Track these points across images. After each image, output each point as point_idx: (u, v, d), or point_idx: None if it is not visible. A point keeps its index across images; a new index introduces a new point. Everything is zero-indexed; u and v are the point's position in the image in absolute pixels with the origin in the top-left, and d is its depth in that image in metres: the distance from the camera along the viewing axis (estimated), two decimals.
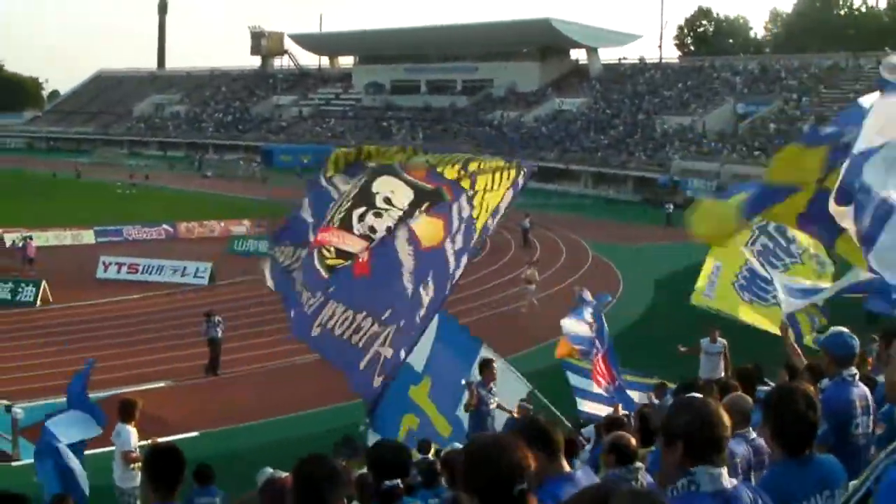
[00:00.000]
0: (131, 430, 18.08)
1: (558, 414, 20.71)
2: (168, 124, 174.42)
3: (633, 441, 9.79)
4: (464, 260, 11.23)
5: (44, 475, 15.58)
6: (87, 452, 24.88)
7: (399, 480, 8.04)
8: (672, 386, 19.61)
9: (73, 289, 50.51)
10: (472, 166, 11.81)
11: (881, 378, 10.83)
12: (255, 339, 39.80)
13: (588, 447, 16.19)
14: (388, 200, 11.90)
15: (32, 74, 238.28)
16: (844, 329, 10.38)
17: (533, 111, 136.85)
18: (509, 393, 20.31)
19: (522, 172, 11.79)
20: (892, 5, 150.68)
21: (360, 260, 11.50)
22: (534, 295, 47.72)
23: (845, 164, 7.20)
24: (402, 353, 11.02)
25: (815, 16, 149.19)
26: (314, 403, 29.01)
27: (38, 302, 47.75)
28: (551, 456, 6.32)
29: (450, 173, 11.79)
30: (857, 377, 9.90)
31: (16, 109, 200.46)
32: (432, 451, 16.79)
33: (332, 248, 11.82)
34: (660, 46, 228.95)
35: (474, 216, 11.46)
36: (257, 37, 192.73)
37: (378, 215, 11.81)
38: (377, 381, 11.00)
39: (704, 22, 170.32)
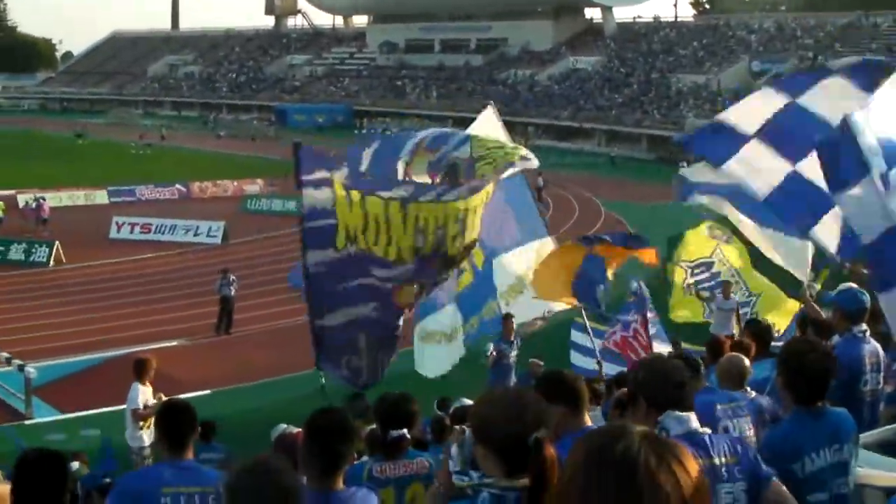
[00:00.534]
0: (141, 388, 18.04)
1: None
2: (182, 84, 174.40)
3: None
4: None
5: None
6: (104, 410, 25.12)
7: (406, 430, 8.02)
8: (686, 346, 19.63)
9: (87, 249, 50.53)
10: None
11: None
12: (268, 297, 39.87)
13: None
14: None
15: (46, 36, 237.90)
16: (854, 285, 10.32)
17: (547, 70, 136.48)
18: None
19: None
20: None
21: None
22: None
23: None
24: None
25: None
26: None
27: (52, 262, 47.86)
28: (575, 410, 6.26)
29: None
30: (868, 333, 9.85)
31: (29, 71, 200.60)
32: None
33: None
34: (675, 4, 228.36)
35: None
36: None
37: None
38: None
39: None
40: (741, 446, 5.74)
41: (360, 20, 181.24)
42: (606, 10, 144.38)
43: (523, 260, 17.59)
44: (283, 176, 72.16)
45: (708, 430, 5.62)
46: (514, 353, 22.91)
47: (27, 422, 26.14)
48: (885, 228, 7.06)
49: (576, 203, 70.16)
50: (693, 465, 2.45)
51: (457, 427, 5.27)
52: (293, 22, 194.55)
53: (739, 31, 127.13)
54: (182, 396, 17.37)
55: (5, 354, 29.24)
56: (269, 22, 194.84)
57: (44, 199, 58.94)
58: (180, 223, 56.60)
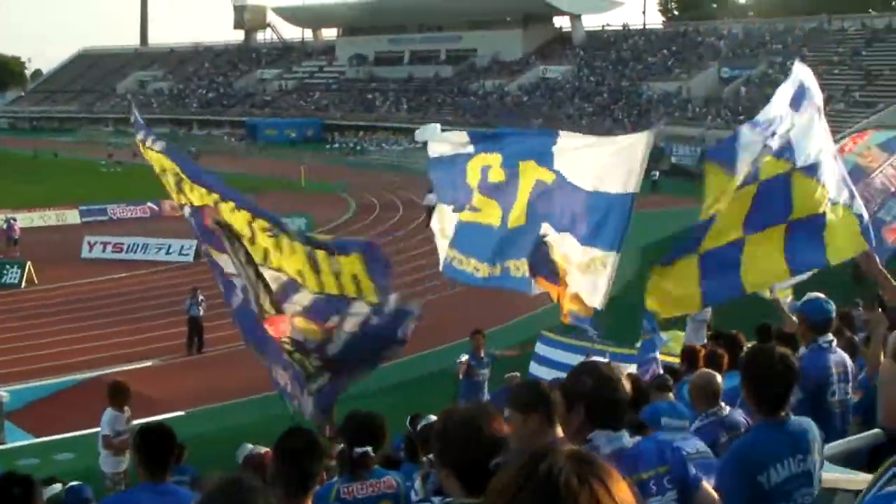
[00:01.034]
0: (112, 414, 18.07)
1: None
2: (152, 101, 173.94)
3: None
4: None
5: None
6: (78, 434, 25.02)
7: (370, 448, 8.04)
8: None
9: (59, 269, 50.43)
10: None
11: None
12: None
13: None
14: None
15: (15, 54, 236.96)
16: (821, 294, 10.34)
17: (517, 80, 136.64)
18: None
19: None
20: None
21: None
22: None
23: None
24: None
25: None
26: None
27: (24, 283, 47.69)
28: (550, 420, 6.31)
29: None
30: (835, 343, 9.89)
31: None
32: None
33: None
34: (643, 12, 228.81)
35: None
36: (240, 10, 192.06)
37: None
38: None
39: None
40: (671, 452, 5.78)
41: (330, 33, 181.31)
42: (575, 18, 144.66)
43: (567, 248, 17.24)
44: (254, 192, 72.16)
45: (638, 439, 5.69)
46: (483, 371, 22.90)
47: (0, 447, 26.02)
48: None
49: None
50: (619, 487, 2.44)
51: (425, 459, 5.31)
52: (262, 36, 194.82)
53: (708, 37, 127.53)
54: (156, 418, 17.39)
55: None
56: (238, 36, 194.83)
57: (14, 220, 58.73)
58: (152, 242, 56.47)
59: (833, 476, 7.17)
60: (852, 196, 11.54)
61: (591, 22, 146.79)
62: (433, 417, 11.87)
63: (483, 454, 4.57)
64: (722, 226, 12.10)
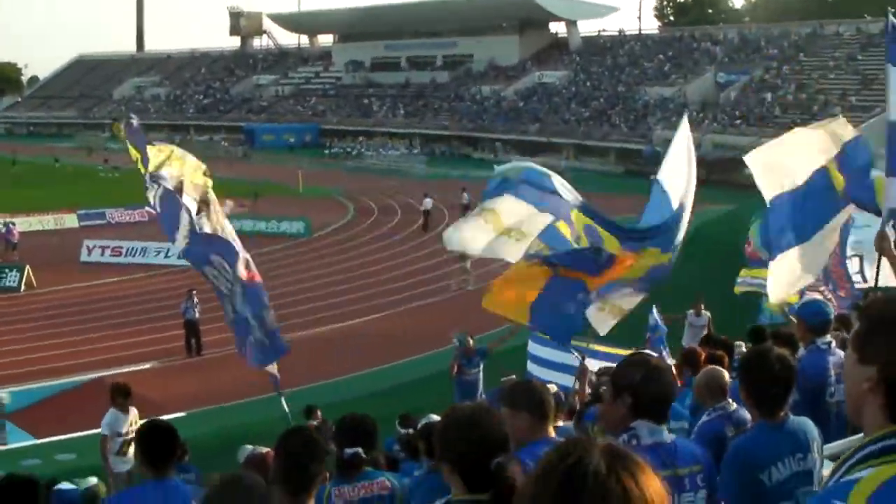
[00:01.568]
0: (114, 415, 18.20)
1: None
2: (149, 107, 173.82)
3: None
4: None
5: None
6: (78, 434, 25.11)
7: (360, 449, 8.06)
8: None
9: (58, 273, 50.48)
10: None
11: None
12: None
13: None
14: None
15: (11, 60, 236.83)
16: (819, 297, 10.46)
17: (513, 85, 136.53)
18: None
19: None
20: None
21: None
22: (467, 274, 46.69)
23: None
24: None
25: None
26: (297, 382, 29.08)
27: (23, 287, 47.73)
28: (540, 419, 6.41)
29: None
30: (833, 345, 9.98)
31: None
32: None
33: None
34: (639, 17, 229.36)
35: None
36: (236, 17, 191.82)
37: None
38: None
39: None
40: (703, 453, 5.87)
41: (326, 39, 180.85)
42: (571, 24, 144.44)
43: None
44: (252, 197, 72.17)
45: (674, 437, 5.72)
46: (475, 370, 23.08)
47: (1, 447, 26.09)
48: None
49: None
50: (649, 480, 2.45)
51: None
52: (259, 42, 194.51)
53: (704, 42, 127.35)
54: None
55: None
56: (234, 43, 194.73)
57: (13, 224, 58.74)
58: (151, 245, 56.36)
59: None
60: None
61: (587, 27, 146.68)
62: (435, 417, 11.95)
63: (485, 452, 4.65)
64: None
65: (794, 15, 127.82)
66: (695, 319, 25.98)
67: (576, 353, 19.11)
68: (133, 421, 17.83)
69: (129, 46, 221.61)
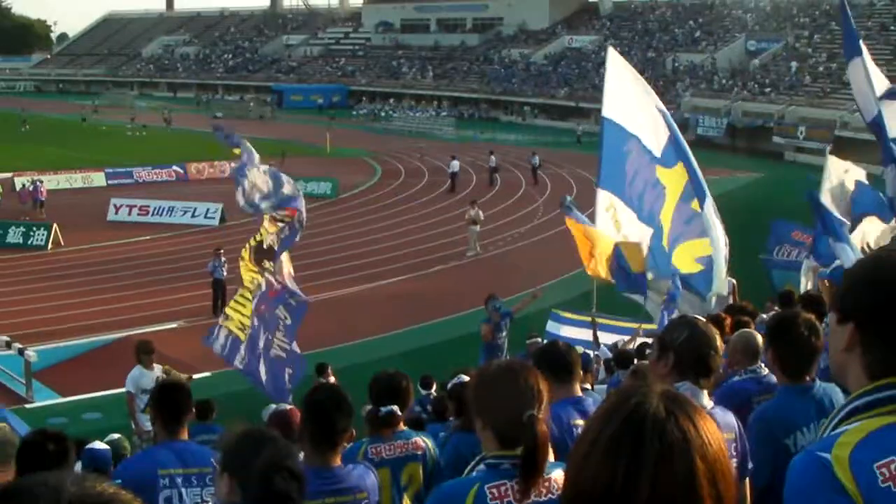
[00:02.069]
0: (138, 371, 18.44)
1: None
2: (178, 65, 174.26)
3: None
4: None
5: None
6: (104, 393, 25.22)
7: (396, 406, 8.06)
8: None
9: (85, 231, 50.55)
10: None
11: None
12: None
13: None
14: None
15: (41, 17, 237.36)
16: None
17: (543, 49, 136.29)
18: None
19: None
20: None
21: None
22: (477, 239, 46.69)
23: None
24: None
25: None
26: (318, 343, 29.14)
27: (50, 245, 47.81)
28: (565, 379, 6.42)
29: None
30: None
31: (24, 53, 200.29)
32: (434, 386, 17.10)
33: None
34: None
35: None
36: None
37: None
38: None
39: None
40: (738, 426, 5.85)
41: (356, 0, 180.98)
42: None
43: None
44: (280, 156, 72.24)
45: (711, 404, 5.74)
46: (502, 335, 23.31)
47: (28, 405, 26.18)
48: None
49: (573, 182, 70.15)
50: (706, 424, 2.47)
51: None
52: (289, 2, 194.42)
53: (735, 9, 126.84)
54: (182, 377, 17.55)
55: (5, 338, 29.23)
56: (264, 2, 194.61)
57: (41, 182, 58.81)
58: (178, 205, 56.50)
59: None
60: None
61: None
62: (465, 377, 11.97)
63: (518, 407, 4.64)
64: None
65: None
66: (720, 291, 25.94)
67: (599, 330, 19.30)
68: (158, 377, 17.94)
69: (159, 5, 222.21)
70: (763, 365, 9.41)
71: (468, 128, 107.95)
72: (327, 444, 6.32)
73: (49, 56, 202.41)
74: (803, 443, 6.29)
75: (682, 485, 2.34)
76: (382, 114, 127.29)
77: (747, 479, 5.89)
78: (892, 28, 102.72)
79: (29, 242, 47.99)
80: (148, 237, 50.40)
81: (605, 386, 15.19)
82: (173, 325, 34.11)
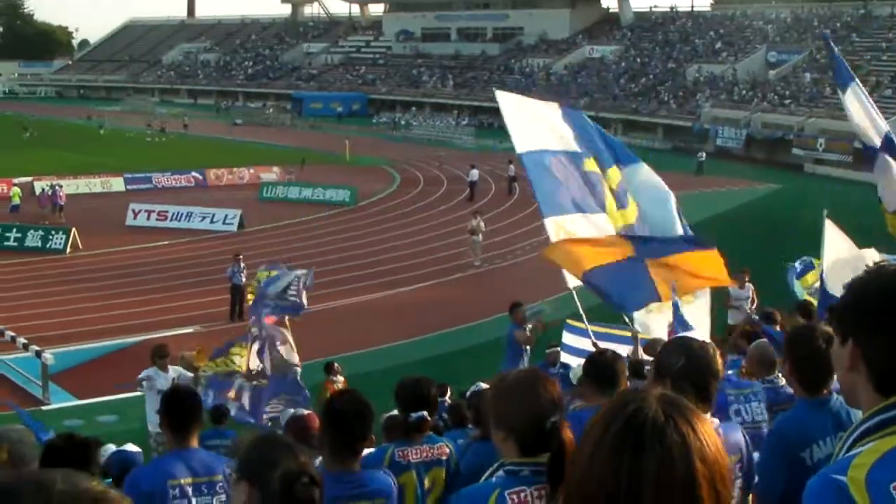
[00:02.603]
0: (151, 370, 18.67)
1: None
2: (198, 72, 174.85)
3: None
4: None
5: None
6: (120, 396, 25.27)
7: (426, 412, 8.07)
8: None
9: (103, 236, 50.67)
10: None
11: None
12: None
13: None
14: None
15: (62, 24, 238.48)
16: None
17: (563, 59, 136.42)
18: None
19: None
20: None
21: None
22: (479, 248, 46.35)
23: None
24: None
25: None
26: (336, 350, 29.19)
27: (69, 249, 47.95)
28: (607, 391, 6.45)
29: None
30: None
31: (46, 59, 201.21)
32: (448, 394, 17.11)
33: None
34: None
35: None
36: None
37: None
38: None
39: None
40: (745, 444, 5.81)
41: (377, 8, 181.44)
42: None
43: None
44: (299, 163, 72.30)
45: (717, 422, 5.61)
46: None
47: (44, 407, 26.26)
48: None
49: None
50: (705, 428, 2.49)
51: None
52: (310, 10, 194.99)
53: (756, 21, 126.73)
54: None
55: (23, 340, 29.38)
56: (285, 10, 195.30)
57: (60, 186, 59.01)
58: (197, 210, 56.65)
59: None
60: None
61: (638, 3, 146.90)
62: (483, 385, 11.97)
63: (538, 416, 4.65)
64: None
65: None
66: (738, 293, 25.96)
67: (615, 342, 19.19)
68: (174, 379, 18.10)
69: (180, 12, 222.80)
70: (780, 375, 9.40)
71: (488, 137, 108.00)
72: (348, 450, 6.34)
73: (70, 62, 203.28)
74: (819, 456, 6.25)
75: (683, 487, 2.36)
76: (402, 122, 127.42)
77: (751, 496, 5.85)
78: None
79: (48, 246, 48.14)
80: (166, 242, 50.51)
81: None
82: (190, 330, 34.18)
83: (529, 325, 22.00)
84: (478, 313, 34.84)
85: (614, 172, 16.32)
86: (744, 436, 5.80)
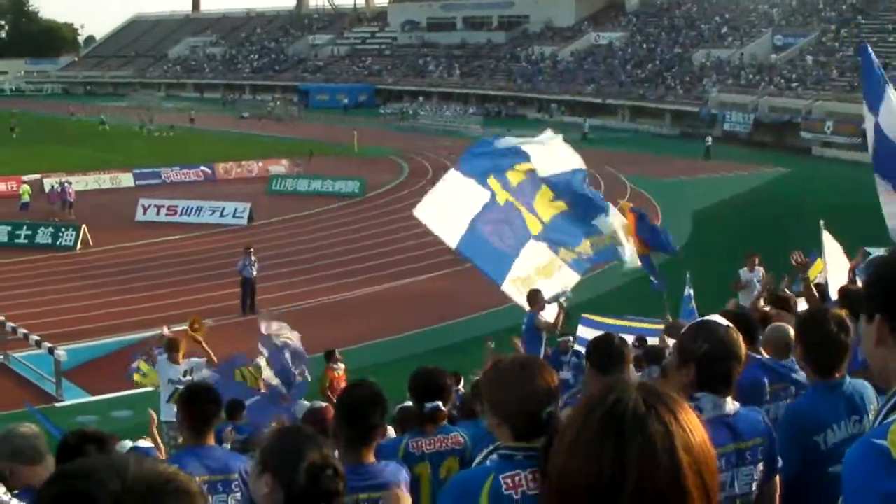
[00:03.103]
0: (163, 361, 18.85)
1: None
2: (204, 66, 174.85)
3: None
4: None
5: None
6: (134, 392, 25.30)
7: (440, 403, 8.06)
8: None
9: (113, 232, 50.73)
10: None
11: None
12: (294, 278, 40.14)
13: None
14: None
15: (68, 20, 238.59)
16: (884, 252, 10.33)
17: (569, 46, 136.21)
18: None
19: None
20: None
21: None
22: None
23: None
24: None
25: None
26: (346, 342, 29.21)
27: (79, 245, 47.99)
28: (612, 374, 6.46)
29: None
30: None
31: (51, 55, 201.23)
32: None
33: None
34: None
35: None
36: None
37: None
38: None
39: None
40: (766, 426, 5.78)
41: None
42: None
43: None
44: (307, 156, 72.24)
45: (738, 406, 5.57)
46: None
47: (58, 404, 26.33)
48: None
49: (601, 179, 70.13)
50: (688, 417, 2.46)
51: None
52: (314, 2, 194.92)
53: (761, 4, 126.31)
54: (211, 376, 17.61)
55: (36, 337, 29.43)
56: (290, 3, 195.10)
57: (69, 183, 59.03)
58: (206, 205, 56.66)
59: None
60: None
61: None
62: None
63: (536, 401, 4.67)
64: None
65: None
66: (748, 276, 25.95)
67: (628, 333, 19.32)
68: (186, 371, 18.29)
69: (185, 6, 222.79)
70: (794, 358, 9.38)
71: (495, 125, 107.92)
72: (362, 441, 6.34)
73: (76, 58, 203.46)
74: (833, 440, 6.24)
75: (668, 478, 2.33)
76: (410, 112, 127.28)
77: (777, 477, 5.83)
78: None
79: (58, 243, 48.21)
80: (176, 237, 50.54)
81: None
82: None
83: (542, 314, 21.94)
84: (488, 303, 34.82)
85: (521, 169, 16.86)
86: (764, 419, 5.77)
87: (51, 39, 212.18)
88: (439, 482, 7.99)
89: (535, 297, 21.02)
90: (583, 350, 21.19)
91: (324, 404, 11.22)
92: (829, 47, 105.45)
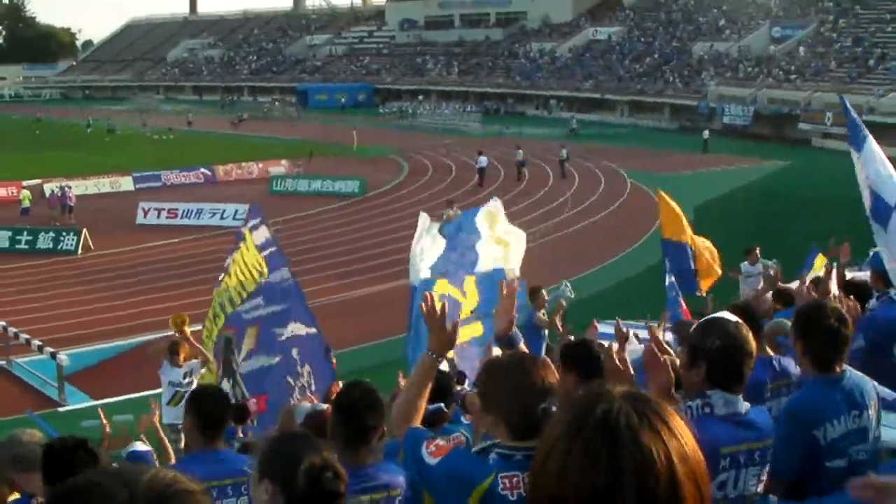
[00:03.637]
0: (165, 365, 18.91)
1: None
2: (202, 68, 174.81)
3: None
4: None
5: None
6: (136, 395, 25.29)
7: (443, 404, 8.05)
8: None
9: (114, 235, 50.74)
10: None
11: None
12: (298, 278, 40.13)
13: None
14: None
15: (65, 25, 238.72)
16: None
17: (567, 42, 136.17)
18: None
19: None
20: None
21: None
22: None
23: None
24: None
25: None
26: (353, 341, 29.22)
27: (80, 250, 47.99)
28: (589, 378, 6.41)
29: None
30: None
31: (49, 61, 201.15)
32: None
33: None
34: None
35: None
36: None
37: None
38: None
39: None
40: (773, 426, 5.76)
41: None
42: None
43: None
44: (307, 156, 72.18)
45: (747, 405, 5.53)
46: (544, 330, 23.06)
47: (60, 409, 26.34)
48: None
49: (601, 174, 70.14)
50: (678, 423, 2.40)
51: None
52: (311, 2, 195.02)
53: None
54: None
55: (38, 342, 29.45)
56: (287, 3, 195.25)
57: (69, 188, 59.04)
58: (207, 207, 56.62)
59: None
60: None
61: None
62: None
63: (531, 398, 4.68)
64: None
65: None
66: (749, 269, 25.98)
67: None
68: (187, 373, 18.32)
69: (182, 9, 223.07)
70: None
71: (495, 123, 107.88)
72: (360, 442, 6.34)
73: (74, 63, 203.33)
74: (833, 435, 6.24)
75: (666, 489, 2.29)
76: (409, 111, 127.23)
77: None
78: None
79: (59, 248, 48.22)
80: (177, 240, 50.48)
81: None
82: (202, 327, 34.19)
83: (543, 311, 21.92)
84: None
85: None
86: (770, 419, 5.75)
87: (48, 45, 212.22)
88: None
89: (535, 294, 20.98)
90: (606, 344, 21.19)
91: (325, 406, 11.21)
92: (827, 38, 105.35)
